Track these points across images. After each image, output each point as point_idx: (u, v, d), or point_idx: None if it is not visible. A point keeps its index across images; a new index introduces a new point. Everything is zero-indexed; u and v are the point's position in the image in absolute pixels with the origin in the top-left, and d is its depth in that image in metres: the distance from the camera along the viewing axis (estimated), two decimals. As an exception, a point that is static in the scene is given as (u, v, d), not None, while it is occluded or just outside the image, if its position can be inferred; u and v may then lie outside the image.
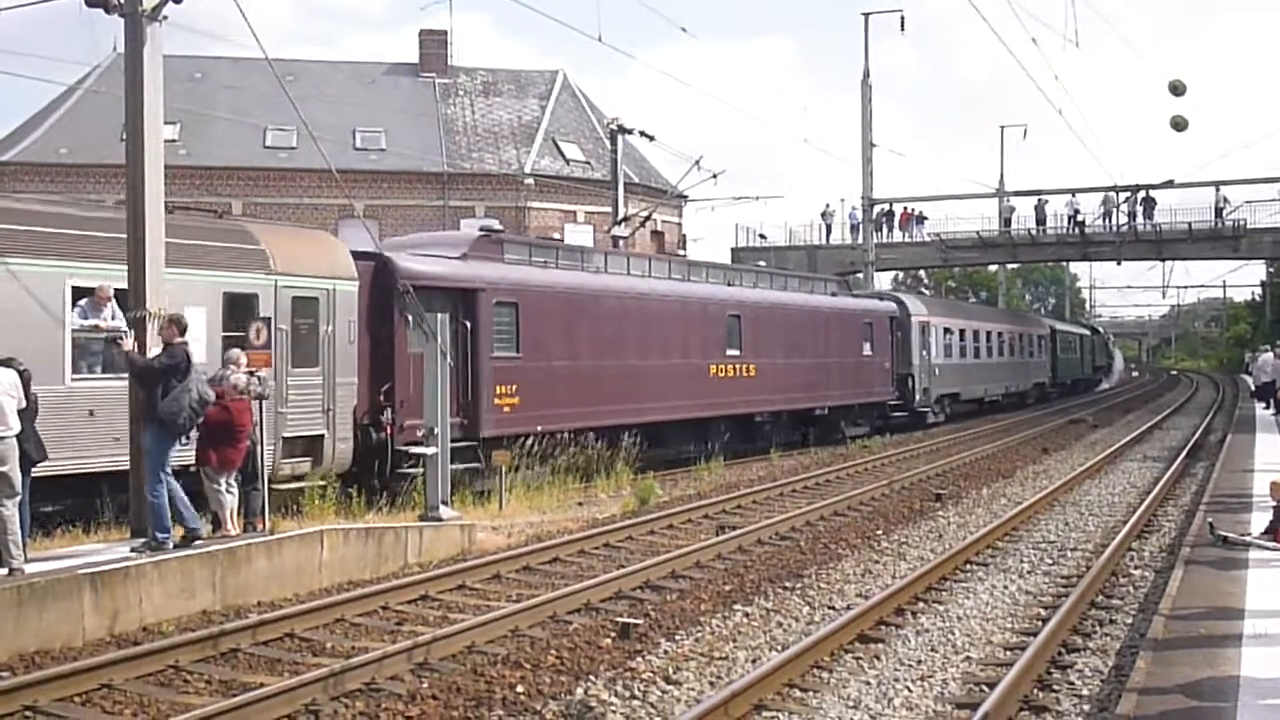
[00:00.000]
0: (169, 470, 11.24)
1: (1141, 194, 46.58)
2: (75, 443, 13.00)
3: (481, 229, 21.79)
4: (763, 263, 38.02)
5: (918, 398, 34.92)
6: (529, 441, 18.99)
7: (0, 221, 13.06)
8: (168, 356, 11.24)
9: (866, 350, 31.83)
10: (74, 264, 13.35)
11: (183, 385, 11.19)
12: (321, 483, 15.67)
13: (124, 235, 12.40)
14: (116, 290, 13.08)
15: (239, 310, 14.89)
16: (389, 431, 17.04)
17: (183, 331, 11.45)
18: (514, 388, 19.30)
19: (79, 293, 13.39)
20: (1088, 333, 70.37)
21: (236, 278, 14.99)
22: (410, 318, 15.91)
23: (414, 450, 16.15)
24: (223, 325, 14.71)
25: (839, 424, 30.44)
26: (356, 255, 17.22)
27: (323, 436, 16.02)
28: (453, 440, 16.09)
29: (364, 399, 16.91)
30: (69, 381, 13.14)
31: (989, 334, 43.35)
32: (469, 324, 18.49)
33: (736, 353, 25.64)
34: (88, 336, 13.46)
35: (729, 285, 26.80)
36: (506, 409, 19.14)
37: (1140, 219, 48.11)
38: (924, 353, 35.54)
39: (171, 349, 11.30)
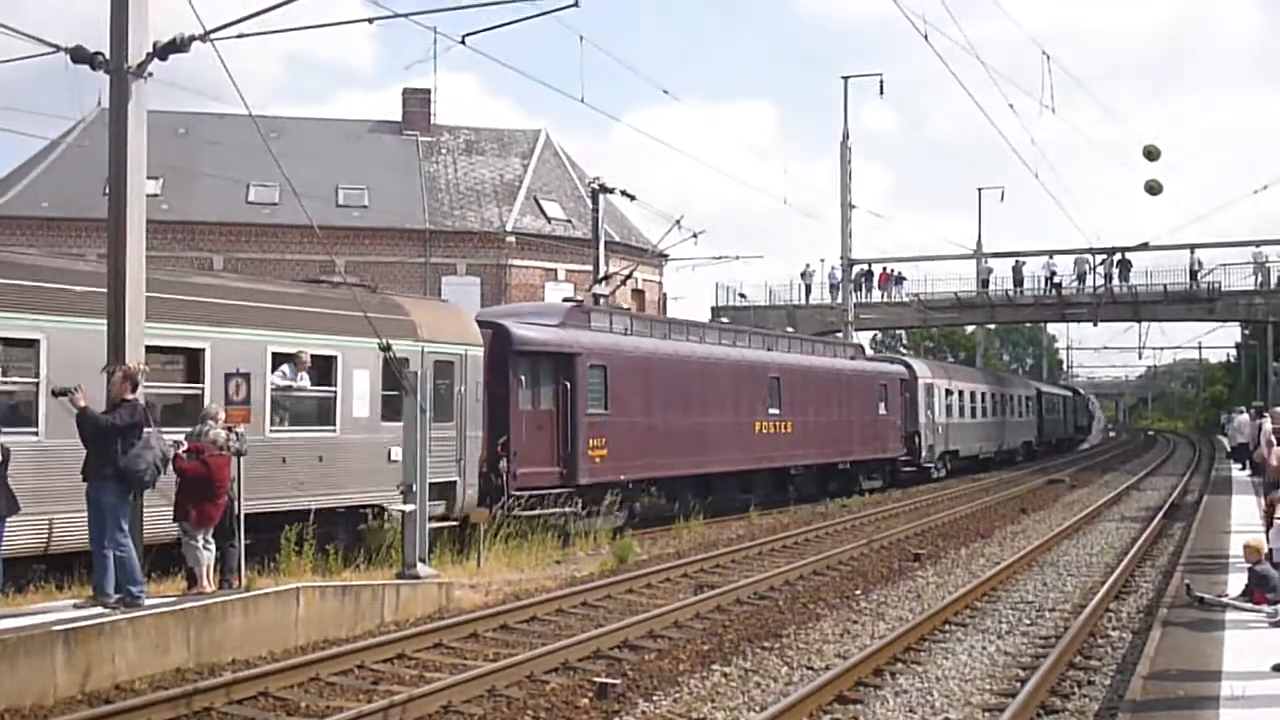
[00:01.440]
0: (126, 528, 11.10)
1: (1117, 256, 47.11)
2: (271, 485, 14.77)
3: (566, 299, 25.03)
4: (789, 330, 38.49)
5: (924, 454, 37.19)
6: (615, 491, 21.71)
7: (235, 299, 15.39)
8: (128, 413, 10.96)
9: (882, 410, 34.13)
10: (273, 334, 15.56)
11: (144, 441, 11.02)
12: (454, 523, 17.72)
13: (309, 308, 15.29)
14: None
15: (393, 371, 16.32)
16: (505, 478, 19.23)
17: (134, 388, 11.20)
18: (603, 441, 21.52)
19: (278, 358, 15.44)
20: (1070, 394, 72.81)
21: (394, 344, 15.99)
22: (523, 377, 19.39)
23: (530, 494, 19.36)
24: (384, 384, 16.75)
25: (857, 478, 32.61)
26: (478, 323, 19.59)
27: (455, 483, 18.05)
28: (552, 487, 19.90)
29: (485, 449, 19.09)
30: (268, 433, 15.05)
31: (984, 395, 45.64)
32: (569, 384, 20.84)
33: (776, 411, 27.95)
34: (283, 394, 15.36)
35: (768, 350, 29.27)
36: (597, 459, 21.31)
37: (1116, 281, 48.62)
38: (929, 412, 37.88)
39: (131, 406, 11.03)
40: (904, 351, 66.48)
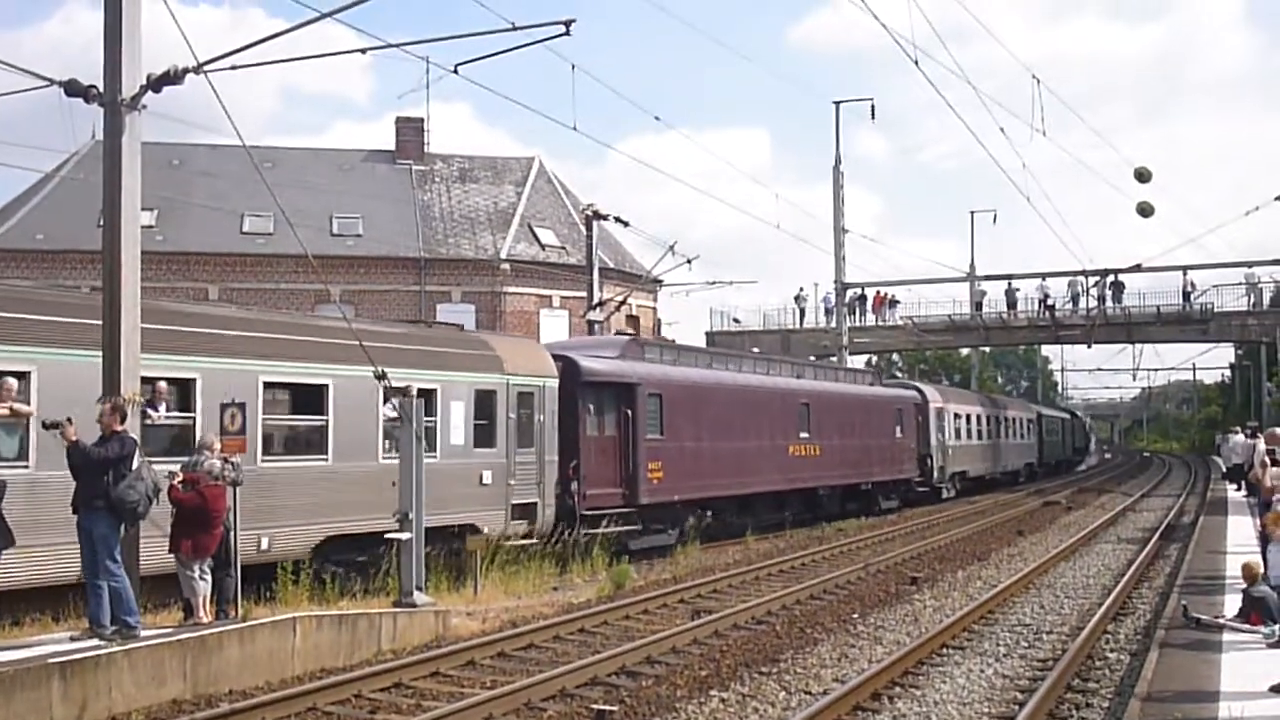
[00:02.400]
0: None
1: (1110, 278, 47.22)
2: (383, 508, 15.94)
3: (619, 332, 27.53)
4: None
5: (935, 475, 38.74)
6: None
7: (351, 339, 16.03)
8: (118, 446, 10.95)
9: (898, 433, 35.81)
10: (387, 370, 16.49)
11: (135, 472, 11.00)
12: (536, 542, 19.42)
13: (414, 346, 17.44)
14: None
15: (483, 402, 19.04)
16: (576, 499, 20.78)
17: (123, 420, 11.19)
18: (659, 464, 23.09)
19: (389, 392, 16.14)
20: (1068, 417, 74.71)
21: (484, 377, 19.20)
22: (590, 406, 21.24)
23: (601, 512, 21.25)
24: (475, 414, 18.81)
25: (877, 498, 34.22)
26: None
27: (536, 504, 19.99)
28: (614, 507, 21.57)
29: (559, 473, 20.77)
30: (380, 459, 16.92)
31: (989, 418, 47.13)
32: (630, 411, 22.43)
33: (807, 435, 29.62)
34: (393, 425, 16.45)
35: (798, 378, 31.19)
36: (655, 481, 22.90)
37: (1110, 302, 48.74)
38: (939, 435, 39.51)
39: (120, 438, 11.01)
40: (900, 375, 66.67)
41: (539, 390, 20.26)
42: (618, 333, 26.63)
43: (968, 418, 43.79)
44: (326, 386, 16.52)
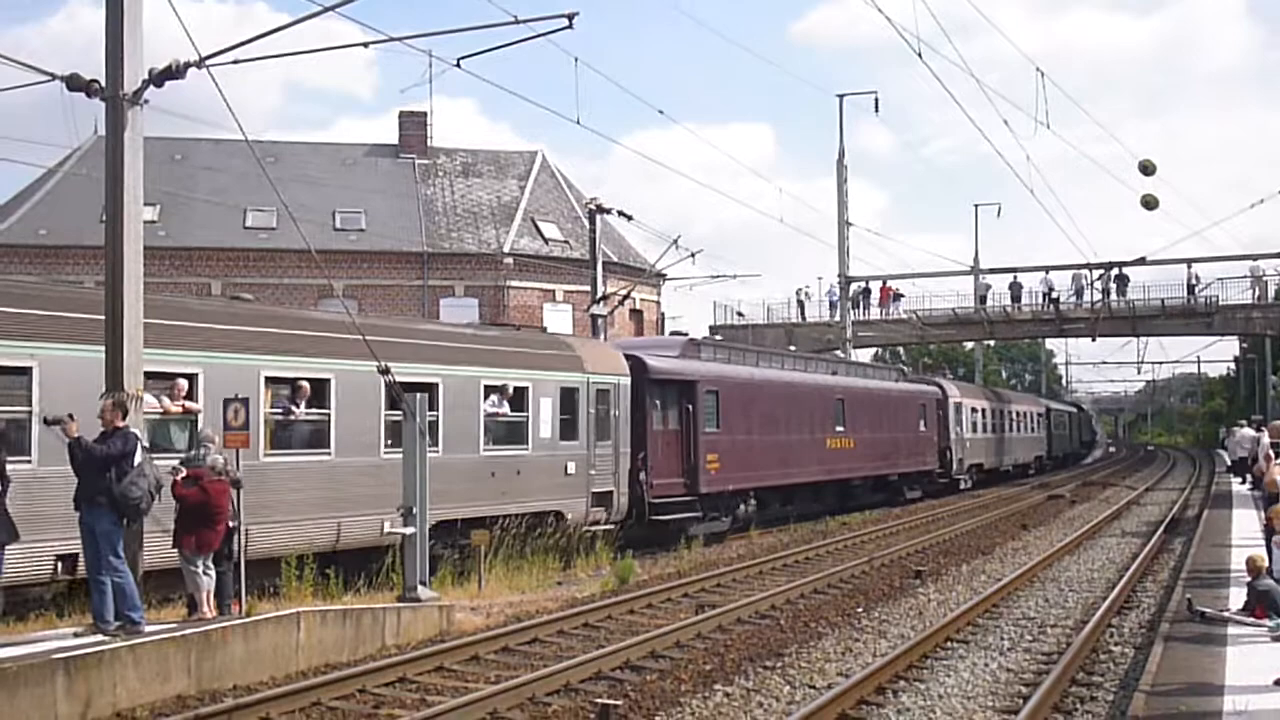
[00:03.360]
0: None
1: (1115, 271, 47.14)
2: (484, 495, 18.41)
3: (674, 333, 29.92)
4: (839, 354, 39.79)
5: (955, 466, 40.59)
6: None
7: (460, 342, 19.34)
8: (121, 441, 10.92)
9: (921, 427, 37.78)
10: (487, 370, 19.13)
11: (137, 469, 10.97)
12: (611, 527, 21.50)
13: (507, 348, 19.76)
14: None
15: (567, 399, 20.72)
16: (644, 488, 22.35)
17: (125, 415, 11.17)
18: (716, 455, 24.64)
19: (489, 389, 18.92)
20: (1075, 411, 76.45)
21: (568, 376, 20.93)
22: (656, 402, 22.97)
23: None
24: (561, 410, 20.48)
25: (902, 489, 36.12)
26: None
27: (612, 492, 21.73)
28: (676, 496, 23.26)
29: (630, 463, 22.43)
30: (482, 452, 18.66)
31: (1002, 412, 48.83)
32: (690, 406, 24.02)
33: (842, 429, 31.46)
34: (494, 419, 18.87)
35: (833, 374, 33.24)
36: (713, 471, 24.44)
37: (1114, 296, 48.65)
38: (958, 429, 41.25)
39: (123, 434, 10.98)
40: (905, 370, 66.79)
41: (614, 388, 22.04)
42: (672, 333, 28.68)
43: (983, 412, 45.46)
44: (437, 385, 17.79)
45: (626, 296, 33.44)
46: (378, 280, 39.88)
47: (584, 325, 35.72)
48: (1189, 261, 46.98)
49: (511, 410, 19.51)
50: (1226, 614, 12.39)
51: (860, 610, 15.35)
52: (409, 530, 14.64)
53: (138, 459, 11.06)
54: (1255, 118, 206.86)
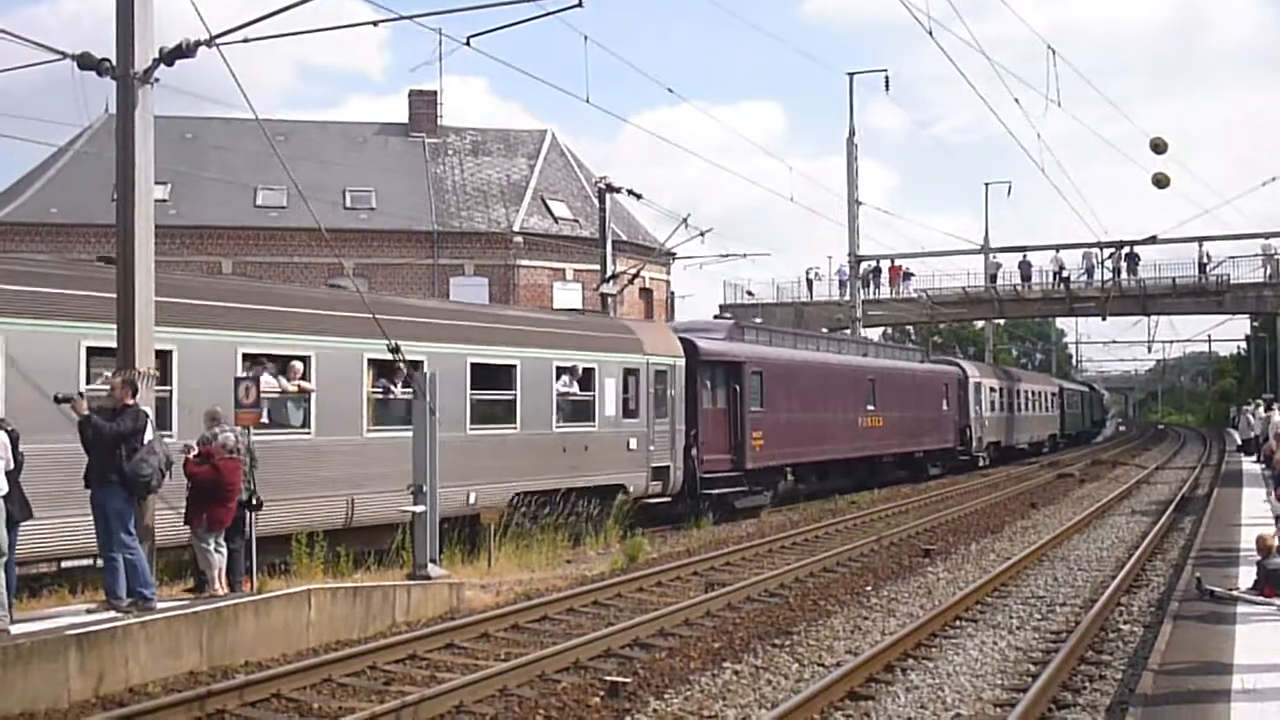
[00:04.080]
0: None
1: (1125, 250, 46.89)
2: (557, 468, 19.92)
3: (717, 316, 32.58)
4: (868, 337, 40.10)
5: (974, 444, 42.05)
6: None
7: (536, 327, 20.69)
8: (131, 420, 10.96)
9: (944, 406, 39.19)
10: (561, 351, 20.51)
11: (148, 446, 11.03)
12: (668, 499, 23.25)
13: (576, 331, 21.33)
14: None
15: (629, 379, 22.12)
16: (696, 463, 23.62)
17: (134, 394, 11.22)
18: (761, 433, 25.95)
19: (560, 370, 20.28)
20: (1087, 390, 77.97)
21: (629, 358, 22.24)
22: (706, 382, 24.23)
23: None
24: (623, 389, 21.81)
25: (926, 466, 37.65)
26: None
27: (669, 466, 23.03)
28: (724, 471, 24.59)
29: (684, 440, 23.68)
30: (554, 428, 20.04)
31: (1018, 392, 50.20)
32: (738, 386, 25.30)
33: (873, 408, 32.82)
34: (565, 398, 20.31)
35: (864, 356, 34.77)
36: (758, 448, 25.78)
37: (1125, 274, 48.43)
38: (978, 408, 42.69)
39: (133, 411, 11.03)
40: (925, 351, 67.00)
41: (670, 369, 23.29)
42: (715, 316, 30.89)
43: (1001, 391, 46.86)
44: (515, 366, 19.23)
45: (636, 275, 33.34)
46: (388, 259, 39.87)
47: (593, 304, 35.64)
48: (1200, 240, 46.70)
49: (580, 390, 20.78)
50: (1236, 593, 12.39)
51: (869, 589, 15.38)
52: (419, 508, 14.68)
53: (148, 436, 11.11)
54: (1267, 96, 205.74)
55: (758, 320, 34.91)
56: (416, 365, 16.45)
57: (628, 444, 21.92)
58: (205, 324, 14.38)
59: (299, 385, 15.65)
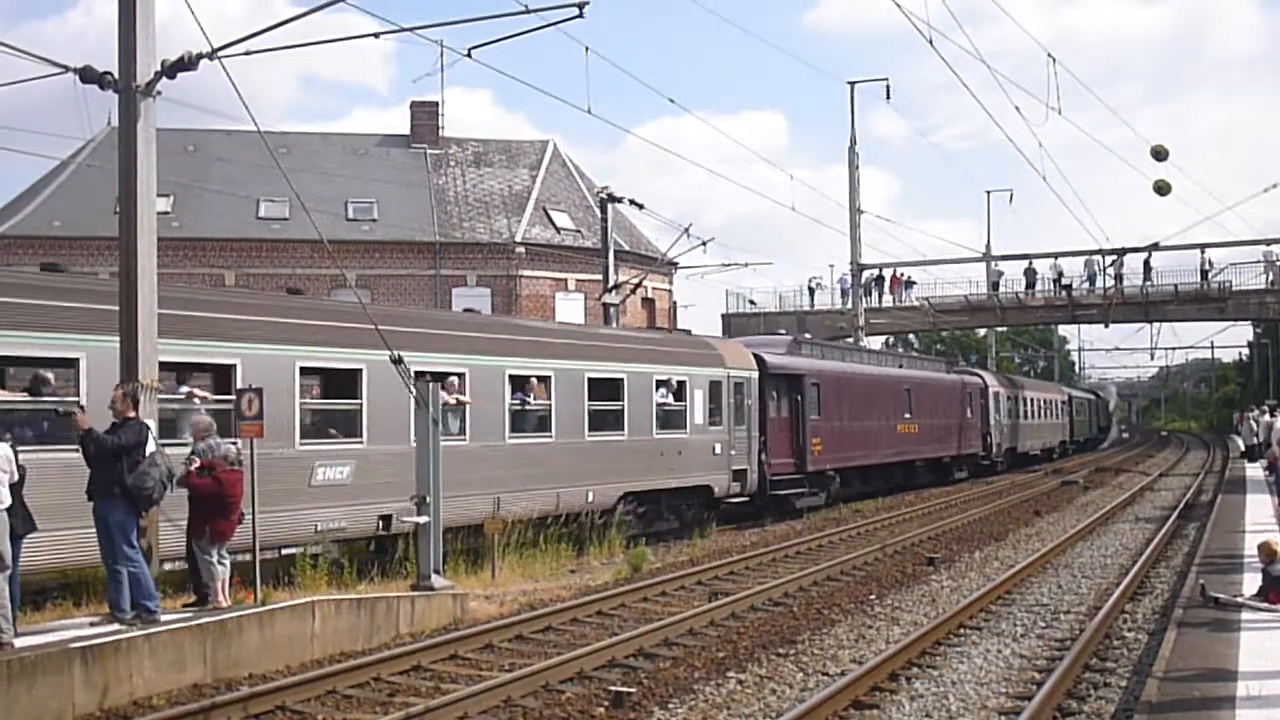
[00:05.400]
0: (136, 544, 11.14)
1: (1128, 257, 46.83)
2: (656, 471, 22.30)
3: (772, 332, 33.74)
4: (783, 330, 39.77)
5: (994, 450, 43.99)
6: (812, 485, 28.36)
7: (638, 345, 23.43)
8: (132, 433, 10.96)
9: (968, 414, 41.28)
10: (657, 367, 22.71)
11: (149, 459, 11.03)
12: (747, 498, 25.63)
13: (668, 348, 23.66)
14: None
15: (714, 391, 24.25)
16: (765, 467, 25.79)
17: (136, 405, 11.22)
18: (819, 439, 28.25)
19: (659, 383, 22.61)
20: (1094, 397, 79.37)
21: (713, 371, 24.50)
22: (773, 393, 26.55)
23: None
24: (708, 399, 23.95)
25: (951, 470, 39.72)
26: None
27: (746, 470, 25.27)
28: (786, 474, 26.79)
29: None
30: (655, 435, 22.28)
31: (1031, 399, 52.04)
32: (799, 397, 27.61)
33: (909, 416, 35.10)
34: (662, 408, 22.64)
35: (900, 368, 37.39)
36: (816, 453, 28.07)
37: (1128, 280, 48.38)
38: (997, 415, 44.63)
39: (135, 424, 11.04)
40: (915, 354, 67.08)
41: (746, 381, 25.50)
42: (769, 332, 33.14)
43: (1016, 399, 48.60)
44: (623, 380, 21.51)
45: (638, 285, 33.37)
46: (390, 270, 39.91)
47: (596, 314, 35.69)
48: (1202, 246, 46.66)
49: (674, 400, 23.05)
50: (1240, 599, 12.37)
51: (873, 597, 15.37)
52: (423, 519, 14.67)
53: (149, 449, 11.11)
54: (1268, 102, 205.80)
55: (785, 332, 35.08)
56: (543, 380, 19.43)
57: (713, 449, 24.08)
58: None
59: (457, 398, 17.60)
